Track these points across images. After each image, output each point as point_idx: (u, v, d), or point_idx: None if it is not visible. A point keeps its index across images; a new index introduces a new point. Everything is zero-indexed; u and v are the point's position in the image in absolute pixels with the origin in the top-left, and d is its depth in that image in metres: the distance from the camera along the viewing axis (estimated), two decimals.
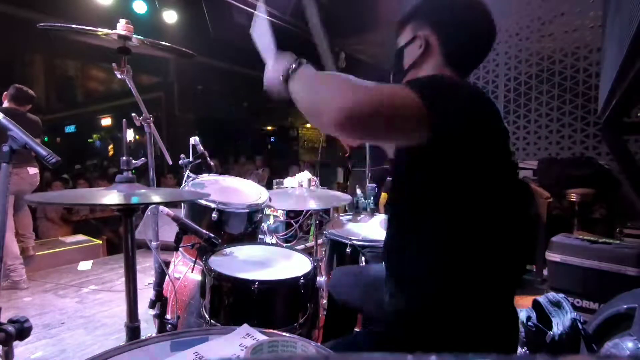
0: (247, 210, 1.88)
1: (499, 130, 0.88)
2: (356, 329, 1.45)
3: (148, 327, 1.94)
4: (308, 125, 13.06)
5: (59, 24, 1.39)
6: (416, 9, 0.99)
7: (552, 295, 1.93)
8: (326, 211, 2.97)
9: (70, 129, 12.78)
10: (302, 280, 1.34)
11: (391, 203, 1.02)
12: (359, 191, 2.51)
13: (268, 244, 1.92)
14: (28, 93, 3.28)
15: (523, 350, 1.77)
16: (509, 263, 0.91)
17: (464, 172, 0.81)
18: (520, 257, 0.95)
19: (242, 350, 0.81)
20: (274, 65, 1.02)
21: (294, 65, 0.95)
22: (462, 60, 0.97)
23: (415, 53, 0.97)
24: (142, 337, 0.93)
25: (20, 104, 3.23)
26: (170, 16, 5.50)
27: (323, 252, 2.20)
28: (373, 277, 1.32)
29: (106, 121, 12.24)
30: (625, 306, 1.51)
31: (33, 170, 3.31)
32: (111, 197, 1.00)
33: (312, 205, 1.91)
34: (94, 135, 13.11)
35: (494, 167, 0.86)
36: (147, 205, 1.71)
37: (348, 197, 2.19)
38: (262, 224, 2.26)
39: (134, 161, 1.15)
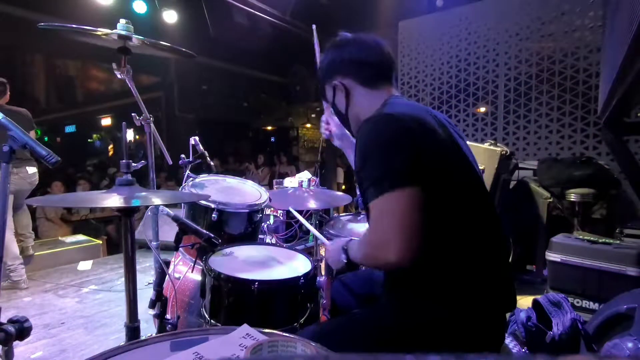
0: (247, 210, 1.88)
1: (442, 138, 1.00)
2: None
3: (148, 327, 1.94)
4: (308, 126, 13.07)
5: (59, 24, 1.39)
6: (322, 73, 1.20)
7: (552, 295, 1.94)
8: (326, 211, 2.96)
9: (70, 129, 12.78)
10: (302, 280, 1.34)
11: None
12: (358, 191, 2.51)
13: (268, 244, 1.92)
14: (2, 80, 3.14)
15: (523, 350, 1.77)
16: (492, 259, 1.01)
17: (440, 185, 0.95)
18: (503, 250, 1.05)
19: (242, 350, 0.81)
20: (333, 250, 1.22)
21: (344, 248, 1.15)
22: (378, 77, 1.14)
23: (342, 99, 1.16)
24: (142, 337, 0.93)
25: None
26: (170, 16, 5.51)
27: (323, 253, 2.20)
28: (374, 281, 1.34)
29: (106, 121, 12.24)
30: (625, 306, 1.51)
31: (32, 170, 3.31)
32: (112, 200, 1.00)
33: (312, 205, 1.91)
34: (94, 135, 13.12)
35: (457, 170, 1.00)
36: (147, 206, 1.71)
37: (348, 197, 2.19)
38: (262, 224, 2.26)
39: (133, 164, 1.15)
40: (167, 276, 1.31)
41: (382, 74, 1.14)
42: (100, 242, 4.37)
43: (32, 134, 3.28)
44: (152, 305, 1.27)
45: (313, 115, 12.38)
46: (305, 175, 3.21)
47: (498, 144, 2.99)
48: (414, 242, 0.88)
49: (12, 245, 3.14)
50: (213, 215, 1.77)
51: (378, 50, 1.14)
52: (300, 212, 2.82)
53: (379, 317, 1.05)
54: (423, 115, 1.00)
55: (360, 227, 2.19)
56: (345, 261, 1.13)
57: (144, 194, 1.06)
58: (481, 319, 0.97)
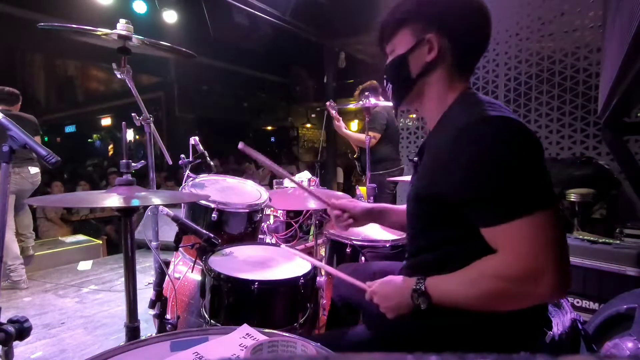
0: (247, 210, 1.88)
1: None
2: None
3: (148, 327, 1.94)
4: (308, 126, 13.07)
5: (59, 24, 1.39)
6: (417, 10, 0.92)
7: None
8: (326, 211, 2.96)
9: (70, 129, 12.78)
10: (302, 280, 1.34)
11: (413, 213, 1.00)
12: (358, 191, 2.51)
13: (268, 244, 1.92)
14: (13, 92, 3.23)
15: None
16: None
17: None
18: None
19: (242, 350, 0.81)
20: (391, 293, 0.92)
21: (419, 290, 0.86)
22: (471, 63, 0.96)
23: (423, 59, 0.91)
24: (142, 337, 0.93)
25: (9, 105, 3.19)
26: (170, 16, 5.50)
27: (323, 252, 2.21)
28: (375, 273, 1.32)
29: (106, 121, 12.24)
30: (625, 306, 1.51)
31: (34, 170, 3.31)
32: (111, 200, 1.00)
33: (312, 205, 1.91)
34: (94, 135, 13.12)
35: None
36: (146, 206, 1.72)
37: (348, 197, 2.19)
38: (262, 224, 2.26)
39: (133, 164, 1.15)
40: (167, 276, 1.31)
41: (479, 58, 0.95)
42: (100, 242, 4.37)
43: (38, 139, 3.29)
44: (152, 305, 1.27)
45: (313, 115, 12.39)
46: (305, 175, 3.21)
47: None
48: (568, 271, 0.74)
49: (12, 245, 3.14)
50: (213, 215, 1.77)
51: (488, 21, 0.90)
52: (300, 212, 2.83)
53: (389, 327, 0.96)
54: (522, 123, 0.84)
55: (361, 227, 2.18)
56: (424, 307, 0.85)
57: (143, 194, 1.06)
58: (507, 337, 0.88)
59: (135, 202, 0.99)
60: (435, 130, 0.97)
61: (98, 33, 1.42)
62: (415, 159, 1.07)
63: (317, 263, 1.34)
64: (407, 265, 1.07)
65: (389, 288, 0.93)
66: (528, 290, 0.75)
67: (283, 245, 1.75)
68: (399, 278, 0.94)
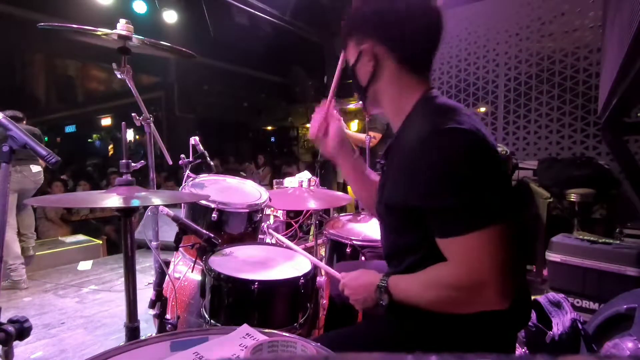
0: (247, 210, 1.88)
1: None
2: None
3: (148, 327, 1.94)
4: (308, 126, 13.07)
5: (59, 24, 1.39)
6: (355, 23, 0.94)
7: (552, 295, 1.93)
8: (326, 211, 2.96)
9: (70, 129, 12.79)
10: (302, 280, 1.34)
11: (382, 214, 1.01)
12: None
13: (268, 244, 1.92)
14: (16, 115, 3.23)
15: (523, 350, 1.77)
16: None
17: None
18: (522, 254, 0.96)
19: (242, 350, 0.81)
20: (358, 287, 0.98)
21: (382, 287, 0.91)
22: (418, 65, 0.94)
23: (367, 69, 0.93)
24: (142, 337, 0.93)
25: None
26: (170, 16, 5.51)
27: (323, 252, 2.21)
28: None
29: (106, 121, 12.26)
30: (625, 306, 1.51)
31: (36, 169, 3.30)
32: (111, 200, 1.00)
33: (312, 205, 1.91)
34: (94, 135, 13.13)
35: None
36: (146, 205, 1.72)
37: (348, 197, 2.19)
38: (262, 224, 2.26)
39: (133, 164, 1.15)
40: (167, 276, 1.31)
41: (428, 56, 0.92)
42: (100, 242, 4.37)
43: None
44: (152, 305, 1.27)
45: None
46: (305, 175, 3.21)
47: (498, 144, 2.99)
48: (513, 282, 0.79)
49: (14, 244, 3.14)
50: (213, 215, 1.77)
51: (433, 18, 0.88)
52: (300, 212, 2.83)
53: (386, 325, 0.99)
54: (480, 129, 0.83)
55: (361, 227, 2.19)
56: (385, 304, 0.90)
57: (143, 194, 1.06)
58: (494, 332, 0.90)
59: (135, 202, 0.99)
60: (397, 138, 0.97)
61: (98, 33, 1.42)
62: (383, 161, 1.07)
63: (300, 250, 1.39)
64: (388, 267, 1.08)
65: (358, 282, 0.98)
66: (472, 300, 0.80)
67: (272, 232, 1.75)
68: (369, 273, 0.97)
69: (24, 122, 3.31)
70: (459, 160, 0.78)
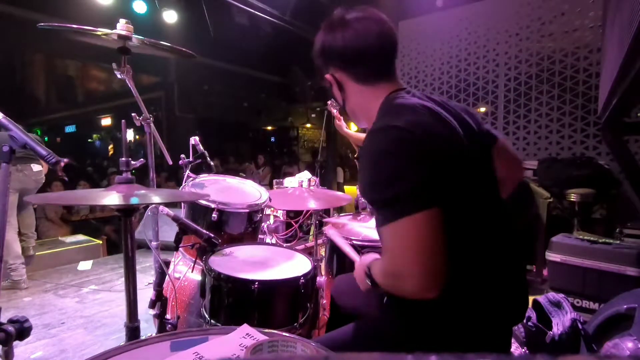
0: (247, 210, 1.88)
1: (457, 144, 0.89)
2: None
3: (148, 327, 1.94)
4: (308, 125, 13.07)
5: (59, 24, 1.39)
6: (315, 58, 1.07)
7: (552, 295, 1.93)
8: (326, 211, 2.96)
9: (70, 129, 12.79)
10: (302, 280, 1.34)
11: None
12: (358, 191, 2.51)
13: (268, 244, 1.92)
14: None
15: (523, 350, 1.77)
16: (501, 265, 0.96)
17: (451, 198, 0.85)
18: (513, 259, 0.99)
19: (242, 350, 0.81)
20: (358, 268, 1.07)
21: (368, 269, 1.01)
22: (372, 72, 1.00)
23: (337, 91, 1.06)
24: (142, 337, 0.93)
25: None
26: (170, 16, 5.50)
27: (323, 252, 2.21)
28: None
29: (106, 121, 12.25)
30: (625, 306, 1.51)
31: (37, 168, 3.30)
32: (111, 198, 0.99)
33: (312, 205, 1.91)
34: (94, 135, 13.13)
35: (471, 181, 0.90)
36: (147, 205, 1.71)
37: (348, 197, 2.19)
38: (262, 224, 2.26)
39: (132, 162, 1.15)
40: (167, 276, 1.31)
41: (378, 70, 0.99)
42: (100, 242, 4.37)
43: None
44: (152, 305, 1.27)
45: (313, 115, 12.39)
46: (305, 175, 3.20)
47: None
48: (437, 273, 0.79)
49: (14, 244, 3.14)
50: (213, 215, 1.77)
51: (373, 39, 0.96)
52: (300, 212, 2.83)
53: (383, 323, 1.02)
54: (430, 120, 0.87)
55: (361, 227, 2.19)
56: (369, 283, 0.97)
57: (143, 192, 1.06)
58: (487, 330, 0.93)
59: (134, 200, 0.99)
60: None
61: (98, 33, 1.42)
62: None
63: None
64: None
65: (359, 264, 1.06)
66: (399, 287, 0.85)
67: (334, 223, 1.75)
68: (370, 256, 1.05)
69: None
70: (380, 157, 0.84)
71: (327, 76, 1.05)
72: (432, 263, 0.79)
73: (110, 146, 12.43)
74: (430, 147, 0.83)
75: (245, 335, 0.87)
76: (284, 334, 0.93)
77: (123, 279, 1.27)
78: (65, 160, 1.08)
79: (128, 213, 1.07)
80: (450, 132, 0.89)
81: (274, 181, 3.38)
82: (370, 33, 0.96)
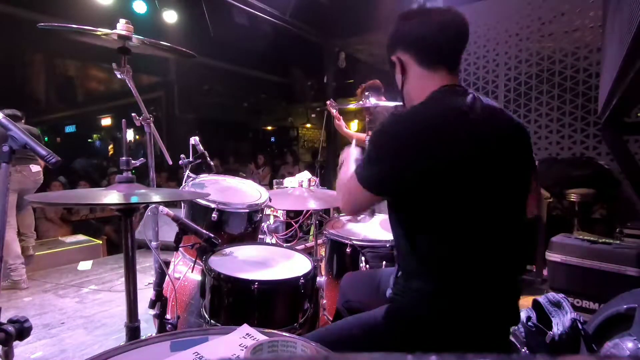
0: (247, 210, 1.88)
1: (460, 146, 0.94)
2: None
3: (148, 327, 1.94)
4: (308, 126, 13.06)
5: (59, 24, 1.39)
6: (388, 42, 1.17)
7: (552, 295, 1.93)
8: (326, 211, 2.96)
9: (70, 129, 12.78)
10: (302, 280, 1.34)
11: (390, 215, 1.11)
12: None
13: (268, 244, 1.92)
14: (15, 114, 3.24)
15: (523, 350, 1.77)
16: (503, 264, 1.00)
17: (445, 195, 0.94)
18: (515, 256, 1.03)
19: (242, 350, 0.81)
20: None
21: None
22: (434, 56, 1.08)
23: (399, 74, 1.14)
24: (142, 337, 0.93)
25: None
26: (170, 16, 5.50)
27: (323, 252, 2.21)
28: (381, 281, 1.33)
29: (106, 121, 12.23)
30: (625, 306, 1.51)
31: (36, 168, 3.30)
32: (111, 197, 1.00)
33: (312, 205, 1.91)
34: (94, 135, 13.11)
35: (471, 181, 0.94)
36: (147, 205, 1.71)
37: None
38: (262, 224, 2.26)
39: (133, 161, 1.15)
40: (167, 276, 1.31)
41: (440, 57, 1.07)
42: (100, 242, 4.37)
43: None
44: (152, 305, 1.28)
45: (313, 115, 12.38)
46: (305, 175, 3.20)
47: None
48: (355, 214, 1.18)
49: (14, 244, 3.14)
50: (213, 215, 1.77)
51: (441, 28, 1.05)
52: (300, 212, 2.83)
53: (379, 321, 1.04)
54: (445, 123, 0.96)
55: (361, 227, 2.19)
56: None
57: (143, 191, 1.06)
58: (483, 330, 0.97)
59: (134, 199, 0.99)
60: None
61: (98, 33, 1.42)
62: None
63: None
64: None
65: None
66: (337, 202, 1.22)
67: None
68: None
69: (23, 121, 3.31)
70: (378, 135, 1.01)
71: (393, 58, 1.13)
72: (352, 212, 1.17)
73: (111, 146, 12.41)
74: (430, 145, 0.92)
75: (245, 335, 0.87)
76: (284, 334, 0.93)
77: (123, 279, 1.27)
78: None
79: (128, 213, 1.07)
80: (468, 140, 0.95)
81: (274, 181, 3.38)
82: (436, 21, 1.06)
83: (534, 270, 3.22)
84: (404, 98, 1.17)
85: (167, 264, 1.30)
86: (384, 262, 1.82)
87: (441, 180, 0.92)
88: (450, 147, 0.93)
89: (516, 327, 1.84)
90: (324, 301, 1.91)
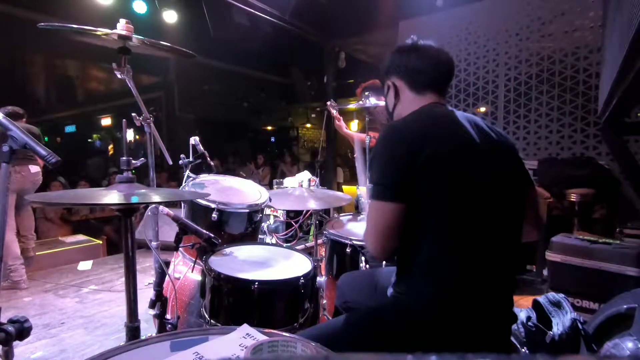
0: (247, 210, 1.88)
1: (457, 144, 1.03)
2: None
3: (148, 327, 1.94)
4: (308, 126, 13.06)
5: (59, 24, 1.39)
6: (382, 71, 1.31)
7: (552, 295, 1.93)
8: (326, 211, 2.96)
9: (70, 129, 12.77)
10: (302, 280, 1.34)
11: None
12: (358, 191, 2.51)
13: (268, 244, 1.92)
14: (17, 112, 3.25)
15: (523, 350, 1.77)
16: (502, 263, 1.02)
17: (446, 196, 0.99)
18: (514, 255, 1.05)
19: (242, 350, 0.81)
20: None
21: None
22: (425, 84, 1.21)
23: (392, 97, 1.27)
24: (142, 337, 0.93)
25: (14, 120, 3.20)
26: (170, 16, 5.50)
27: (323, 252, 2.20)
28: (378, 281, 1.34)
29: (106, 121, 12.22)
30: (625, 306, 1.51)
31: (35, 169, 3.30)
32: (111, 197, 0.99)
33: (312, 205, 1.91)
34: (94, 135, 13.11)
35: (469, 179, 1.00)
36: (147, 205, 1.71)
37: (348, 197, 2.19)
38: (262, 224, 2.26)
39: (133, 161, 1.15)
40: (167, 276, 1.31)
41: (431, 83, 1.21)
42: (100, 242, 4.37)
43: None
44: (152, 305, 1.28)
45: (313, 115, 12.38)
46: (305, 175, 3.21)
47: None
48: (387, 246, 1.02)
49: (13, 245, 3.13)
50: (213, 215, 1.77)
51: (435, 61, 1.22)
52: (300, 212, 2.83)
53: (379, 317, 1.06)
54: (432, 129, 1.05)
55: (361, 227, 2.19)
56: None
57: (143, 191, 1.06)
58: (484, 329, 0.99)
59: (134, 199, 0.99)
60: None
61: (98, 33, 1.42)
62: None
63: None
64: None
65: None
66: (365, 243, 1.10)
67: None
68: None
69: (24, 119, 3.30)
70: (376, 148, 1.09)
71: (389, 82, 1.27)
72: (382, 242, 1.02)
73: (111, 146, 12.41)
74: (413, 149, 0.99)
75: (245, 335, 0.87)
76: (284, 334, 0.93)
77: (123, 279, 1.27)
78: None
79: (128, 213, 1.07)
80: (443, 139, 1.03)
81: (274, 181, 3.38)
82: (430, 55, 1.23)
83: (534, 270, 3.22)
84: (396, 117, 1.28)
85: (167, 264, 1.30)
86: (384, 262, 1.82)
87: (444, 165, 0.99)
88: (444, 139, 1.02)
89: (516, 327, 1.84)
90: (324, 301, 1.91)
